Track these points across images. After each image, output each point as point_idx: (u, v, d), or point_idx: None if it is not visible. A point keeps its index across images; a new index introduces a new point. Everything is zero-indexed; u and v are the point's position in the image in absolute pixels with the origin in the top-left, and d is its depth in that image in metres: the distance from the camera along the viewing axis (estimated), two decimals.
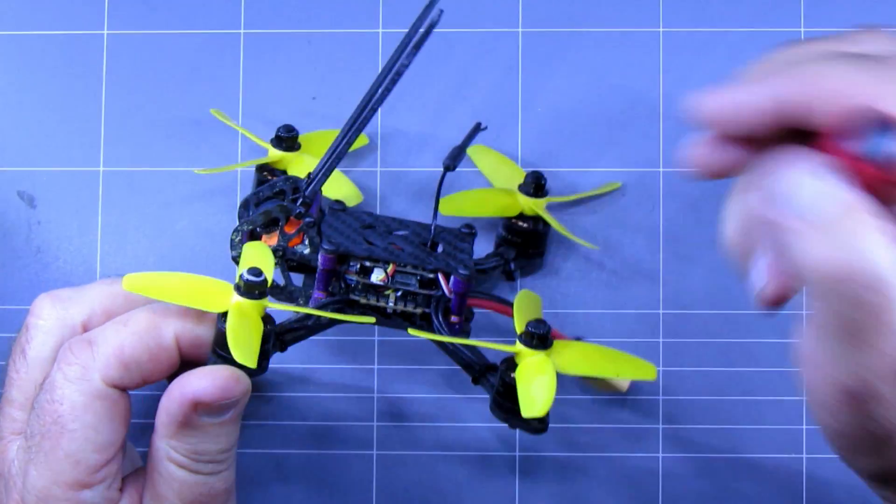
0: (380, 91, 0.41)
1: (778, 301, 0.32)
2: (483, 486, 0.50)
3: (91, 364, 0.41)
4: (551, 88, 0.51)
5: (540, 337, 0.41)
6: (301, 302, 0.44)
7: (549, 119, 0.51)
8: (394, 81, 0.41)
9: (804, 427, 0.50)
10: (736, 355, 0.50)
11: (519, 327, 0.42)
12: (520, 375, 0.41)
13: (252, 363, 0.39)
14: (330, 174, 0.43)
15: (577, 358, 0.42)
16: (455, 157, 0.44)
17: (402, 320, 0.44)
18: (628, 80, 0.50)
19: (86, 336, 0.42)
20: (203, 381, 0.40)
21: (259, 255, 0.42)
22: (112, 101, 0.51)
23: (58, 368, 0.41)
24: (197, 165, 0.51)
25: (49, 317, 0.43)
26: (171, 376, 0.42)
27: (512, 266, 0.48)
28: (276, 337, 0.42)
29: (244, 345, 0.39)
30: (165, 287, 0.41)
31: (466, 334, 0.45)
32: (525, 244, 0.48)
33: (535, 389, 0.40)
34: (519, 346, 0.42)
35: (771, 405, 0.50)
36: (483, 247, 0.49)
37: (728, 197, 0.33)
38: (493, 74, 0.51)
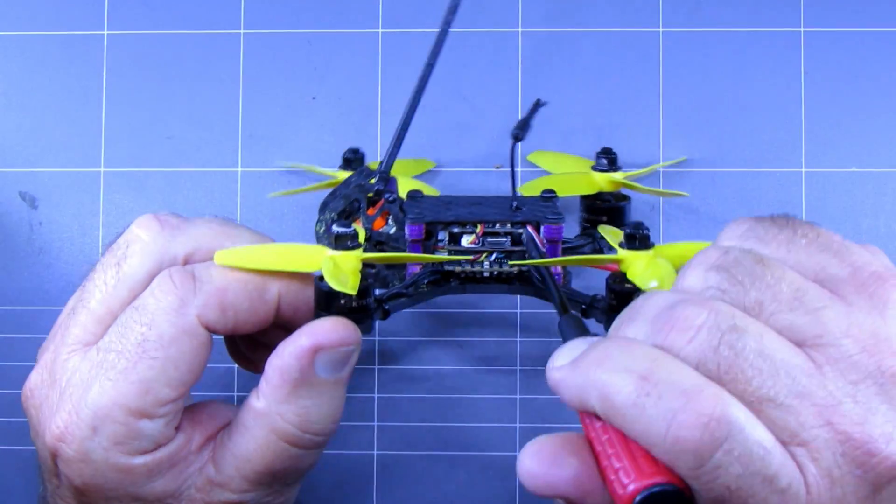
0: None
1: None
2: (483, 486, 0.50)
3: (190, 299, 0.39)
4: (551, 88, 0.51)
5: (642, 237, 0.41)
6: (396, 283, 0.44)
7: (549, 119, 0.51)
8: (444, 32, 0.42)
9: None
10: None
11: (612, 240, 0.43)
12: (633, 275, 0.40)
13: (353, 290, 0.39)
14: (401, 144, 0.43)
15: (680, 253, 0.41)
16: (522, 128, 0.43)
17: (498, 283, 0.43)
18: (628, 80, 0.50)
19: (189, 268, 0.40)
20: (322, 326, 0.39)
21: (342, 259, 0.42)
22: (112, 101, 0.51)
23: (152, 293, 0.40)
24: (197, 165, 0.51)
25: (155, 240, 0.41)
26: (258, 335, 0.42)
27: (601, 245, 0.48)
28: (378, 304, 0.42)
29: (342, 279, 0.39)
30: (259, 256, 0.41)
31: (568, 284, 0.45)
32: (609, 221, 0.48)
33: (654, 269, 0.40)
34: (623, 253, 0.41)
35: None
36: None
37: None
38: (493, 74, 0.51)
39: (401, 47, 0.51)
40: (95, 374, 0.39)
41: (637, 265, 0.40)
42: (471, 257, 0.42)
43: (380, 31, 0.51)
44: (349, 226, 0.40)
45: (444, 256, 0.42)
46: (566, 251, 0.46)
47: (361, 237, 0.41)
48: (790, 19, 0.50)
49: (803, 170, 0.50)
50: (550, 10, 0.51)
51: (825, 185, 0.50)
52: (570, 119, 0.50)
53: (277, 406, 0.40)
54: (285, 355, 0.39)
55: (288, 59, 0.51)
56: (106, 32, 0.51)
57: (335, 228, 0.40)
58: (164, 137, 0.51)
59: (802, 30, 0.50)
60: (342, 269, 0.39)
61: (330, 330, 0.39)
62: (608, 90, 0.50)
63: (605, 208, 0.48)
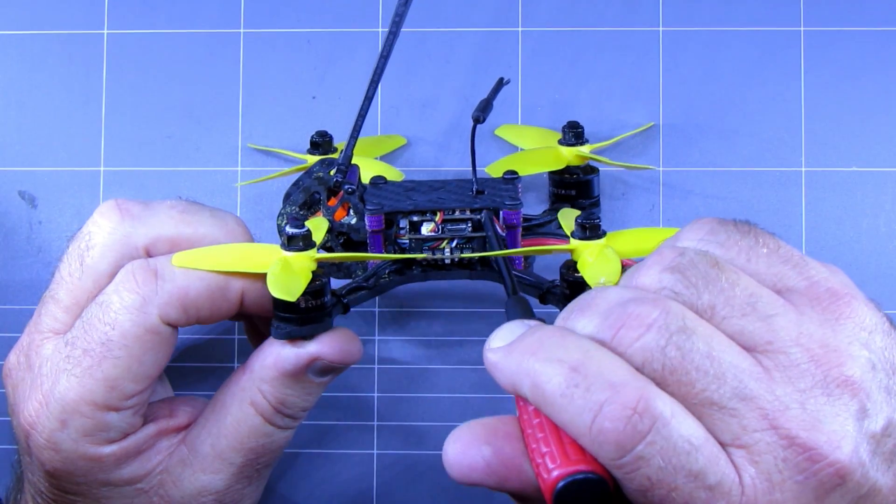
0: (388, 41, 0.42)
1: None
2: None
3: (152, 298, 0.40)
4: (551, 88, 0.51)
5: (592, 227, 0.41)
6: (359, 274, 0.45)
7: (549, 119, 0.51)
8: (396, 24, 0.42)
9: None
10: None
11: (568, 228, 0.43)
12: (583, 266, 0.41)
13: (291, 297, 0.39)
14: (357, 135, 0.43)
15: (630, 241, 0.42)
16: (483, 110, 0.43)
17: (460, 269, 0.44)
18: (629, 80, 0.50)
19: (152, 265, 0.41)
20: (331, 339, 0.41)
21: (312, 223, 0.42)
22: (112, 101, 0.51)
23: (116, 290, 0.40)
24: (197, 165, 0.51)
25: (114, 232, 0.42)
26: None
27: None
28: (338, 299, 0.42)
29: (288, 284, 0.39)
30: (216, 257, 0.41)
31: (530, 268, 0.46)
32: (578, 195, 0.48)
33: (602, 264, 0.40)
34: (574, 243, 0.42)
35: None
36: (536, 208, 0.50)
37: None
38: (493, 74, 0.50)
39: (401, 47, 0.50)
40: (63, 368, 0.40)
41: (586, 255, 0.41)
42: (422, 255, 0.43)
43: (380, 30, 0.51)
44: (302, 226, 0.40)
45: (395, 255, 0.43)
46: (530, 229, 0.46)
47: (323, 230, 0.41)
48: (790, 19, 0.50)
49: (803, 169, 0.50)
50: (550, 10, 0.51)
51: (825, 184, 0.50)
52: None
53: (261, 383, 0.41)
54: (287, 347, 0.41)
55: (288, 58, 0.51)
56: (106, 32, 0.51)
57: (287, 229, 0.40)
58: (164, 137, 0.51)
59: (802, 29, 0.50)
60: (292, 272, 0.40)
61: (336, 345, 0.41)
62: (608, 90, 0.51)
63: (573, 182, 0.48)
